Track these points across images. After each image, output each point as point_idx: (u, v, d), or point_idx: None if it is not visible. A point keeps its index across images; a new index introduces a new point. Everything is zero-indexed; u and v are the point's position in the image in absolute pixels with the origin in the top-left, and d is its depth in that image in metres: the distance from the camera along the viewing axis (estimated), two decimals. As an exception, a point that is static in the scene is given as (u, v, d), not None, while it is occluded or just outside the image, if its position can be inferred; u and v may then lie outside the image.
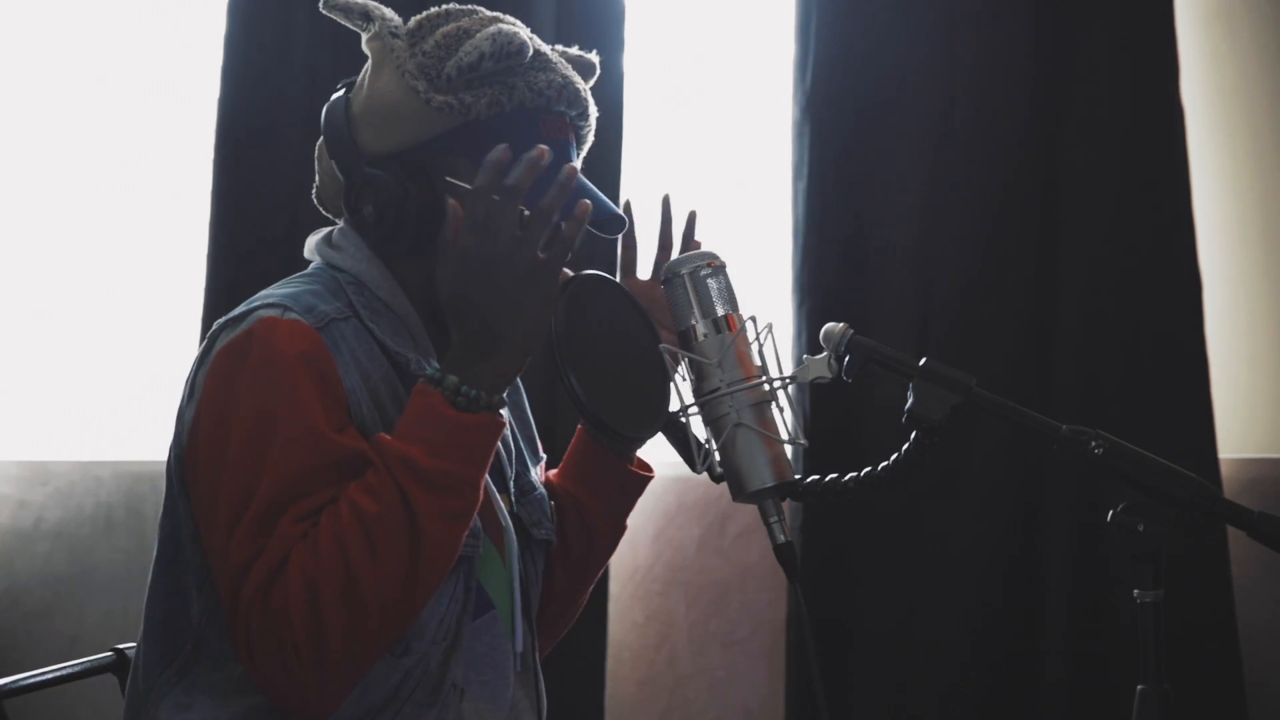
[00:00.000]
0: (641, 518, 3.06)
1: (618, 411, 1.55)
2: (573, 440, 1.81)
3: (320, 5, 1.62)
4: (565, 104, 1.60)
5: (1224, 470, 2.92)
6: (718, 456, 1.54)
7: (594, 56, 1.70)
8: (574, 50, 1.69)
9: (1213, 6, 3.19)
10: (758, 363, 1.55)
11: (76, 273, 3.39)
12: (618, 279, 1.80)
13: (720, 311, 1.54)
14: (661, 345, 1.58)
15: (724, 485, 1.54)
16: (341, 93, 1.61)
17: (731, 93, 3.26)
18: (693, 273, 1.55)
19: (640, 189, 3.09)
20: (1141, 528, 1.38)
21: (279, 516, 1.41)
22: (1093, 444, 1.41)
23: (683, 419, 1.57)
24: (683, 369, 1.57)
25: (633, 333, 1.61)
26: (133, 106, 3.35)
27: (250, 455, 1.43)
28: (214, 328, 1.54)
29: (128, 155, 3.36)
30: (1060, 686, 2.84)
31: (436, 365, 1.52)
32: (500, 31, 1.55)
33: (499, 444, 1.61)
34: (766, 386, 1.53)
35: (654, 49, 3.18)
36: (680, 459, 1.61)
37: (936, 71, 2.98)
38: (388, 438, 1.43)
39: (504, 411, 1.68)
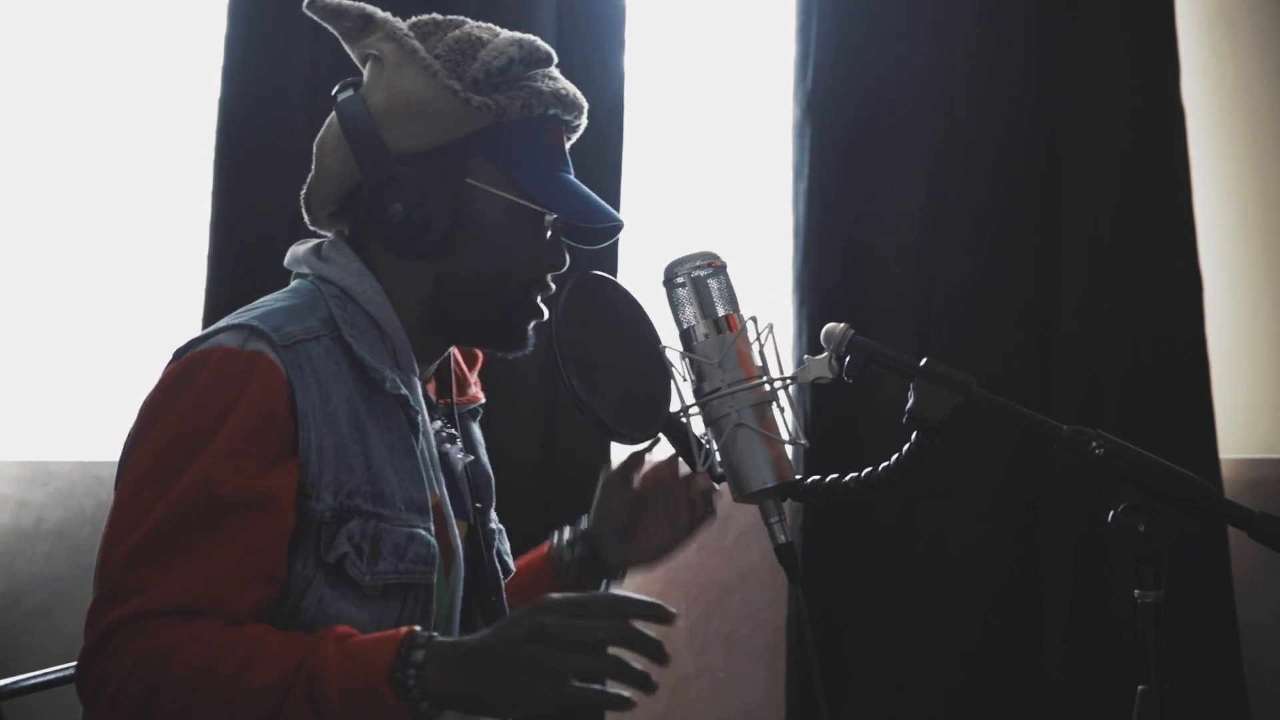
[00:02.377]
0: (642, 518, 3.06)
1: (619, 412, 1.55)
2: (535, 555, 1.82)
3: (305, 6, 1.63)
4: (575, 113, 1.64)
5: (1224, 470, 2.92)
6: (718, 456, 1.54)
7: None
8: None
9: (1213, 6, 3.19)
10: (758, 363, 1.55)
11: (77, 273, 3.39)
12: None
13: (721, 312, 1.55)
14: (663, 345, 1.58)
15: (724, 485, 1.54)
16: (351, 92, 1.61)
17: (731, 93, 3.26)
18: (693, 273, 1.55)
19: (640, 189, 3.09)
20: (1142, 528, 1.38)
21: (166, 552, 1.40)
22: (1093, 444, 1.41)
23: (684, 419, 1.58)
24: (684, 369, 1.57)
25: (634, 333, 1.61)
26: (133, 107, 3.35)
27: (154, 478, 1.44)
28: (179, 347, 1.55)
29: (128, 156, 3.36)
30: (1060, 686, 2.84)
31: (404, 387, 1.54)
32: (525, 39, 1.58)
33: (462, 473, 1.66)
34: (767, 387, 1.53)
35: (654, 49, 3.17)
36: (681, 459, 1.61)
37: (936, 71, 2.98)
38: (331, 646, 1.36)
39: (481, 440, 1.75)
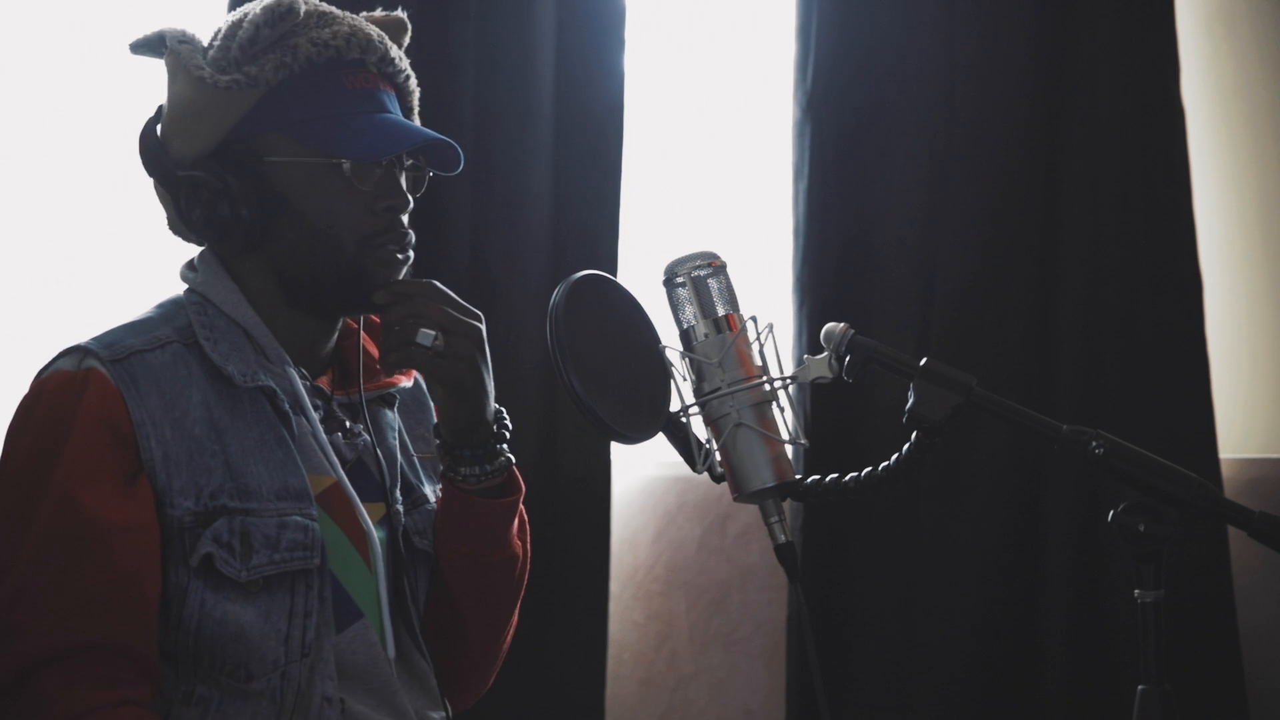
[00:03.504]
0: (642, 518, 3.06)
1: (619, 412, 1.55)
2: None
3: (128, 49, 1.66)
4: (359, 51, 1.57)
5: (1224, 470, 2.92)
6: (718, 456, 1.53)
7: (401, 13, 1.67)
8: (379, 12, 1.67)
9: (1213, 6, 3.19)
10: (758, 363, 1.54)
11: (77, 273, 3.39)
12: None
13: (721, 311, 1.54)
14: (662, 345, 1.58)
15: (724, 485, 1.54)
16: (151, 117, 1.65)
17: (731, 93, 3.25)
18: (693, 273, 1.55)
19: (640, 189, 3.08)
20: (1142, 528, 1.38)
21: (42, 586, 1.44)
22: (1093, 444, 1.41)
23: (683, 419, 1.57)
24: (683, 369, 1.57)
25: (634, 333, 1.61)
26: (135, 107, 3.35)
27: (17, 511, 1.47)
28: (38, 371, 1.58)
29: (128, 155, 3.36)
30: (1060, 686, 2.84)
31: (265, 379, 1.55)
32: (270, 2, 1.55)
33: (376, 453, 1.63)
34: (767, 386, 1.53)
35: (654, 49, 3.17)
36: (680, 459, 1.61)
37: (936, 71, 2.98)
38: None
39: (395, 427, 1.70)
